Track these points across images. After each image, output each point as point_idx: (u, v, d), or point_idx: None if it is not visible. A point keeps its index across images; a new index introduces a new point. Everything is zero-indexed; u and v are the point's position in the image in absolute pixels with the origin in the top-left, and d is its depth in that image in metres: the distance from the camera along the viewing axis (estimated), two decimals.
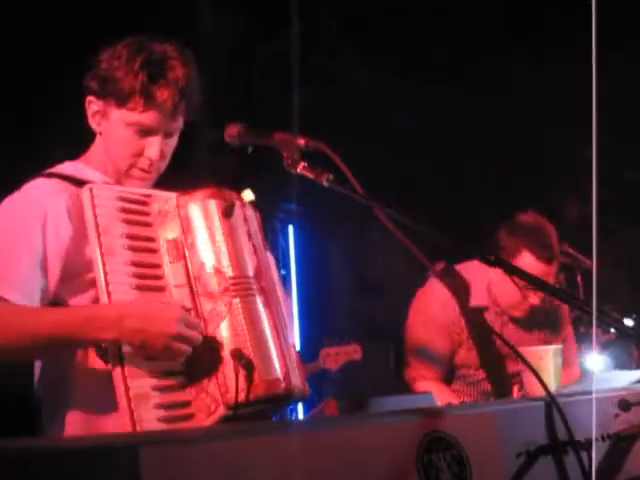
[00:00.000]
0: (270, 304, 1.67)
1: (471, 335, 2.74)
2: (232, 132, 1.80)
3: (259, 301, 1.64)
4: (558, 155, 5.04)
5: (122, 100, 1.72)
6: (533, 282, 1.69)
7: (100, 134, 1.81)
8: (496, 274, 2.71)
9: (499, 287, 2.77)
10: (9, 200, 1.70)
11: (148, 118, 1.73)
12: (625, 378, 1.75)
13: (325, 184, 1.62)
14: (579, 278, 3.61)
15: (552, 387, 2.07)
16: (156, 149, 1.77)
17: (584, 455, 1.38)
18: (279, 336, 1.65)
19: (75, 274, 1.67)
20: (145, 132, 1.76)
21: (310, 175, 1.64)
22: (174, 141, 1.84)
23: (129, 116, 1.73)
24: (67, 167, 1.81)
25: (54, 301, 1.67)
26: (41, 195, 1.70)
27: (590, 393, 1.48)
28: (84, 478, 0.88)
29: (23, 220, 1.66)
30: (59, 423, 1.69)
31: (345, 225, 6.03)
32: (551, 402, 1.41)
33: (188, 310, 1.59)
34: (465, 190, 5.38)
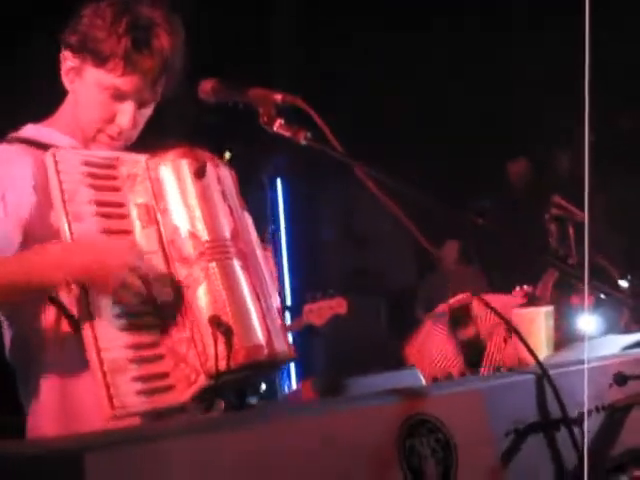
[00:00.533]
0: (249, 267, 1.61)
1: None
2: (206, 88, 1.69)
3: (237, 264, 1.57)
4: (546, 107, 4.96)
5: (101, 60, 1.63)
6: None
7: (72, 93, 1.71)
8: None
9: None
10: None
11: (126, 84, 1.65)
12: (618, 343, 1.68)
13: (303, 142, 1.54)
14: (571, 230, 3.54)
15: (544, 352, 2.01)
16: (128, 117, 1.68)
17: (577, 430, 1.31)
18: (259, 300, 1.58)
19: (41, 243, 1.57)
20: (119, 97, 1.67)
21: (287, 133, 1.55)
22: (149, 112, 1.76)
23: (106, 78, 1.64)
24: (30, 130, 1.71)
25: None
26: (1, 163, 1.61)
27: (582, 362, 1.40)
28: None
29: None
30: (34, 393, 1.63)
31: (335, 178, 5.95)
32: (542, 375, 1.33)
33: (162, 276, 1.52)
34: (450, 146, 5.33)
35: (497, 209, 5.06)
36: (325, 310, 4.45)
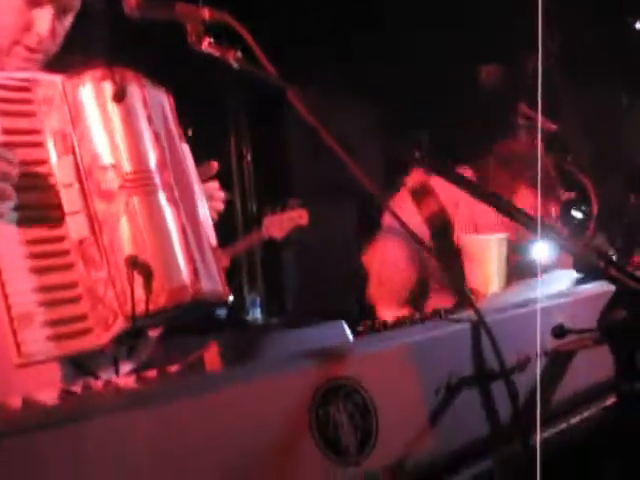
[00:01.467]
0: (177, 200, 1.48)
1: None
2: (130, 3, 1.57)
3: (162, 198, 1.45)
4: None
5: None
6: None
7: None
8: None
9: None
10: None
11: None
12: (570, 277, 1.59)
13: (234, 64, 1.46)
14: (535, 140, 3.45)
15: (495, 281, 1.94)
16: (47, 23, 1.54)
17: (513, 380, 1.23)
18: (186, 237, 1.47)
19: None
20: (35, 2, 1.53)
21: (216, 52, 1.48)
22: (68, 21, 1.61)
23: None
24: None
25: None
26: None
27: (526, 304, 1.32)
28: None
29: None
30: None
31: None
32: (479, 323, 1.24)
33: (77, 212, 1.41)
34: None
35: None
36: (285, 222, 4.35)
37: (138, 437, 0.89)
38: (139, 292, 1.36)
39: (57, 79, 1.48)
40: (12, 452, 0.81)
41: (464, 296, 1.29)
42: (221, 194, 1.77)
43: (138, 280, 1.37)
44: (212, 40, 1.49)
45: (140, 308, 1.36)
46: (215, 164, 1.74)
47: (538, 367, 1.30)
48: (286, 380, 1.03)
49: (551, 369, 1.35)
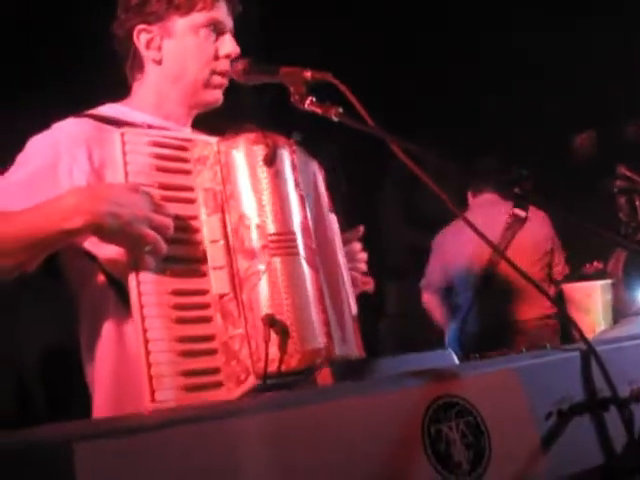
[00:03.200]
0: (317, 264, 1.50)
1: None
2: (237, 68, 1.72)
3: (303, 260, 1.47)
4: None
5: (189, 6, 1.70)
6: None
7: (159, 62, 1.73)
8: None
9: None
10: (31, 140, 1.62)
11: (218, 11, 1.73)
12: None
13: (335, 119, 1.51)
14: (638, 202, 3.39)
15: (600, 327, 1.92)
16: (232, 43, 1.74)
17: (629, 411, 1.20)
18: (323, 300, 1.47)
19: None
20: (217, 30, 1.73)
21: (318, 110, 1.54)
22: None
23: (199, 17, 1.71)
24: (107, 109, 1.71)
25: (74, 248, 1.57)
26: (60, 136, 1.60)
27: (637, 337, 1.33)
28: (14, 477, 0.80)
29: (38, 163, 1.57)
30: (92, 383, 1.64)
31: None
32: (589, 351, 1.23)
33: (221, 267, 1.45)
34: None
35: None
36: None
37: (252, 442, 0.92)
38: (273, 351, 1.37)
39: (213, 140, 1.55)
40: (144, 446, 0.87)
41: (573, 326, 1.30)
42: (363, 255, 1.81)
43: (274, 339, 1.37)
44: (314, 99, 1.55)
45: (272, 367, 1.36)
46: (362, 228, 1.80)
47: None
48: (400, 395, 1.05)
49: None
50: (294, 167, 1.55)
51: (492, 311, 3.41)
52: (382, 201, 5.95)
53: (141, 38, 1.72)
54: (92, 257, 1.59)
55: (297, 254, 1.47)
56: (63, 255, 1.62)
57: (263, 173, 1.49)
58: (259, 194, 1.48)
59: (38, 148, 1.60)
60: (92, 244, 1.56)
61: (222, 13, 1.74)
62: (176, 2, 1.70)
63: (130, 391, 1.54)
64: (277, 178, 1.51)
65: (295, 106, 1.57)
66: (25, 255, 1.46)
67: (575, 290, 2.05)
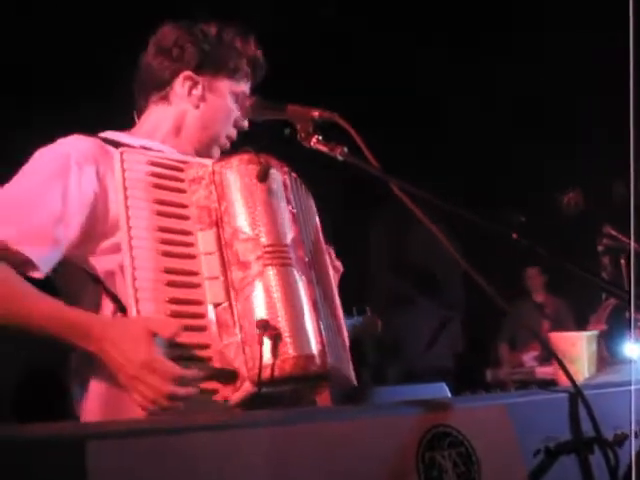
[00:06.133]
0: (311, 277, 1.55)
1: None
2: (245, 105, 1.82)
3: (295, 271, 1.51)
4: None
5: (236, 73, 1.83)
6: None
7: (196, 107, 1.82)
8: None
9: None
10: (39, 151, 1.65)
11: (247, 88, 1.87)
12: None
13: (339, 158, 1.55)
14: (622, 262, 3.45)
15: (585, 376, 1.95)
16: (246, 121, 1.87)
17: (613, 454, 1.25)
18: (317, 312, 1.51)
19: (99, 235, 1.59)
20: (240, 102, 1.84)
21: (324, 149, 1.57)
22: None
23: (236, 86, 1.84)
24: (108, 134, 1.76)
25: (72, 256, 1.60)
26: (70, 149, 1.63)
27: (627, 384, 1.36)
28: (26, 472, 0.81)
29: (47, 172, 1.60)
30: (84, 393, 1.62)
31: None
32: (576, 394, 1.28)
33: (216, 278, 1.49)
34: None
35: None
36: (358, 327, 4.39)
37: (252, 453, 0.93)
38: (267, 356, 1.39)
39: (208, 162, 1.63)
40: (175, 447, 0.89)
41: (562, 369, 1.33)
42: (338, 263, 1.89)
43: (267, 344, 1.40)
44: (320, 137, 1.59)
45: (266, 373, 1.38)
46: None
47: (632, 445, 1.28)
48: (398, 421, 1.08)
49: None
50: (285, 186, 1.62)
51: None
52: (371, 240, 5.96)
53: (185, 84, 1.81)
54: (90, 273, 1.61)
55: (290, 265, 1.52)
56: (60, 270, 1.62)
57: (256, 189, 1.56)
58: (252, 209, 1.54)
59: (48, 158, 1.63)
60: (95, 256, 1.60)
61: (248, 89, 1.87)
62: (230, 66, 1.83)
63: (122, 412, 1.51)
64: (270, 194, 1.57)
65: (301, 143, 1.61)
66: (27, 333, 1.48)
67: (561, 339, 2.08)
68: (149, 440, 0.88)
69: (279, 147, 1.66)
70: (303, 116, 1.62)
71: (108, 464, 0.84)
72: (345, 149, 1.55)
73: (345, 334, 1.68)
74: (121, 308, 1.53)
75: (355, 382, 1.62)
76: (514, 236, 1.37)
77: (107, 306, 1.59)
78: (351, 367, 1.63)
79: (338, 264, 1.89)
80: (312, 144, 1.59)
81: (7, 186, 1.59)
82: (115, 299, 1.56)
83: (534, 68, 5.05)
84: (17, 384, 3.92)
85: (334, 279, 1.80)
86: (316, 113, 1.61)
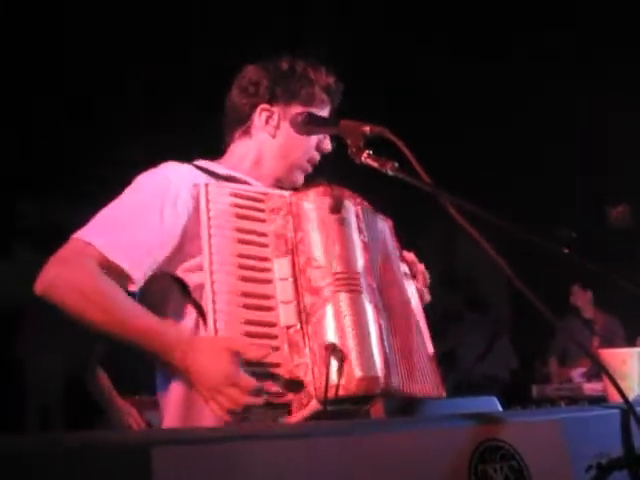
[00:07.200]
0: (379, 305, 1.63)
1: None
2: (296, 120, 1.85)
3: (365, 298, 1.59)
4: None
5: (310, 100, 1.93)
6: None
7: (273, 136, 1.94)
8: None
9: None
10: (141, 175, 1.79)
11: (326, 113, 1.96)
12: None
13: (389, 173, 1.58)
14: None
15: (635, 393, 1.93)
16: (329, 141, 1.98)
17: None
18: (382, 336, 1.59)
19: (187, 253, 1.72)
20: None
21: (374, 164, 1.60)
22: None
23: (315, 111, 1.90)
24: (202, 163, 1.90)
25: (164, 269, 1.72)
26: (169, 173, 1.78)
27: None
28: (93, 477, 0.85)
29: (148, 193, 1.74)
30: (163, 407, 1.73)
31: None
32: (628, 410, 1.29)
33: (289, 302, 1.58)
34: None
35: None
36: None
37: (312, 463, 0.97)
38: (334, 377, 1.47)
39: (286, 193, 1.74)
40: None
41: (614, 386, 1.33)
42: (421, 267, 2.01)
43: (334, 365, 1.48)
44: (371, 152, 1.62)
45: (332, 392, 1.46)
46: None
47: None
48: (451, 434, 1.11)
49: None
50: (358, 216, 1.71)
51: None
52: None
53: (262, 115, 1.94)
54: (180, 283, 1.74)
55: (360, 292, 1.59)
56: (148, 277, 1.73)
57: (330, 220, 1.65)
58: (326, 239, 1.63)
59: (150, 181, 1.78)
60: (183, 272, 1.73)
61: (326, 113, 1.96)
62: (302, 94, 1.92)
63: (201, 416, 1.64)
64: (342, 225, 1.66)
65: (351, 158, 1.65)
66: (118, 340, 1.60)
67: (611, 356, 2.06)
68: (214, 447, 0.92)
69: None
70: (354, 131, 1.65)
71: (173, 470, 0.87)
72: (396, 164, 1.58)
73: (424, 353, 1.76)
74: (203, 319, 1.64)
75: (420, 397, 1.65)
76: (566, 251, 1.37)
77: (190, 315, 1.72)
78: (437, 385, 1.70)
79: (424, 291, 1.98)
80: (363, 159, 1.62)
81: (111, 205, 1.73)
82: (200, 310, 1.68)
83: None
84: (64, 394, 4.00)
85: (420, 302, 1.91)
86: (367, 128, 1.65)
